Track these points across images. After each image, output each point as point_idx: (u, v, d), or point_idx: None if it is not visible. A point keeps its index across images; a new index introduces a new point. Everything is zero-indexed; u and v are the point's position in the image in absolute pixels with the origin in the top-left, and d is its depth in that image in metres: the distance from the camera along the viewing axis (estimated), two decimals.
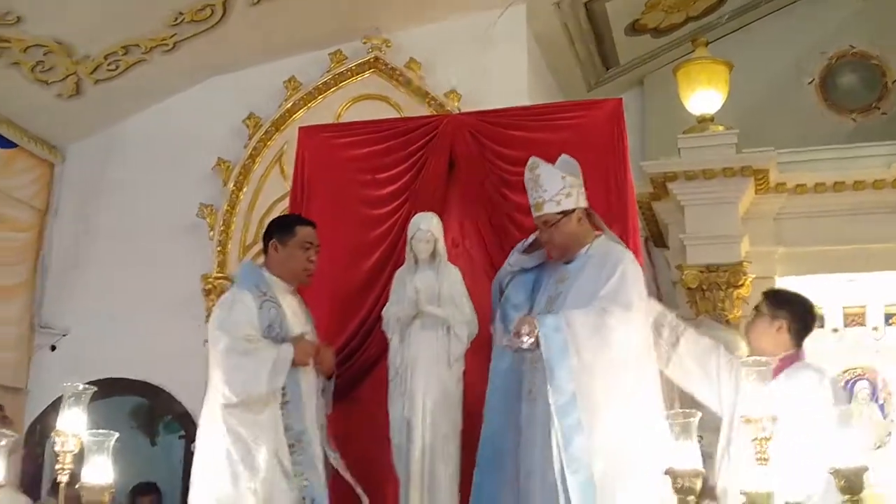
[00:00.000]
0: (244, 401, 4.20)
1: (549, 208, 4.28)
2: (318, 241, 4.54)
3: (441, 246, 4.53)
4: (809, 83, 8.56)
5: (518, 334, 4.01)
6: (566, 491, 3.89)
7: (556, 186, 4.28)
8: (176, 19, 6.78)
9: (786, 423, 3.39)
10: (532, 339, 3.99)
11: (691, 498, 3.23)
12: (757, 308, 4.58)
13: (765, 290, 4.85)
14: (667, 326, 4.46)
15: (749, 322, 4.65)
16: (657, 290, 7.11)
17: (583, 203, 4.33)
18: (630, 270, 4.20)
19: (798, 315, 4.50)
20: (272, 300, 4.39)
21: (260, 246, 6.86)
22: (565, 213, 4.29)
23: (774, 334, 4.44)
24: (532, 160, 4.33)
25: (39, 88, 7.01)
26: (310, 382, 4.38)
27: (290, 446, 4.23)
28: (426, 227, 4.49)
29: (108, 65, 7.06)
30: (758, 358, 3.67)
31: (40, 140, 7.50)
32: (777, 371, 4.22)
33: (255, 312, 4.33)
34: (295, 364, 4.27)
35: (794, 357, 4.43)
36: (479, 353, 4.51)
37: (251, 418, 4.19)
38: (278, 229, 4.58)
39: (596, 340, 4.01)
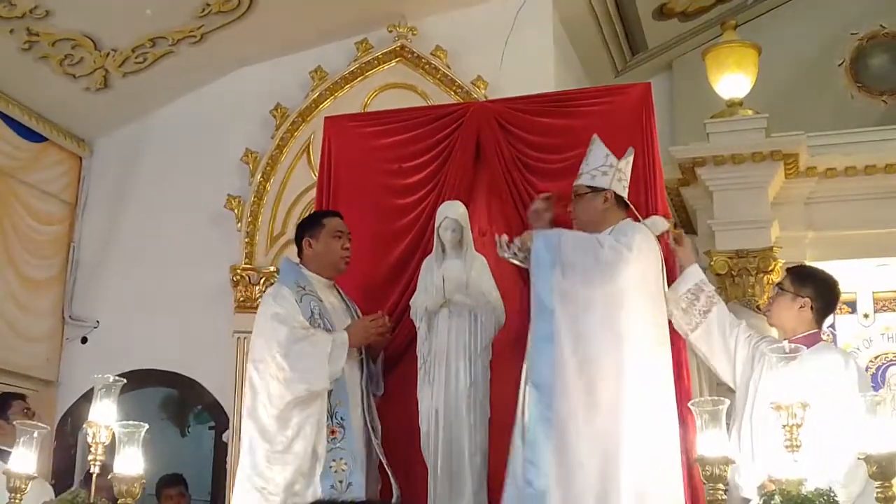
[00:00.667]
0: (309, 388, 4.24)
1: (582, 180, 4.42)
2: (347, 228, 4.61)
3: (468, 234, 4.52)
4: (839, 65, 8.47)
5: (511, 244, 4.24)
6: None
7: (597, 161, 4.40)
8: (203, 10, 6.80)
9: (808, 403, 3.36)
10: (519, 252, 4.23)
11: (720, 486, 3.22)
12: (780, 285, 4.53)
13: (788, 266, 4.79)
14: (704, 294, 4.44)
15: (771, 298, 4.60)
16: None
17: (618, 188, 4.36)
18: (638, 234, 4.24)
19: (822, 293, 4.45)
20: (311, 294, 4.46)
21: (287, 236, 7.01)
22: (594, 190, 4.35)
23: (797, 312, 4.41)
24: (593, 136, 4.44)
25: (68, 82, 7.06)
26: (353, 368, 4.41)
27: (332, 432, 4.24)
28: (453, 215, 4.49)
29: (136, 57, 7.10)
30: (788, 344, 3.65)
31: (69, 133, 7.56)
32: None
33: (296, 306, 4.39)
34: (353, 344, 4.36)
35: (816, 336, 4.40)
36: (507, 341, 4.50)
37: (297, 408, 4.22)
38: (308, 226, 4.66)
39: (585, 259, 4.12)
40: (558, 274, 4.09)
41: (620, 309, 4.08)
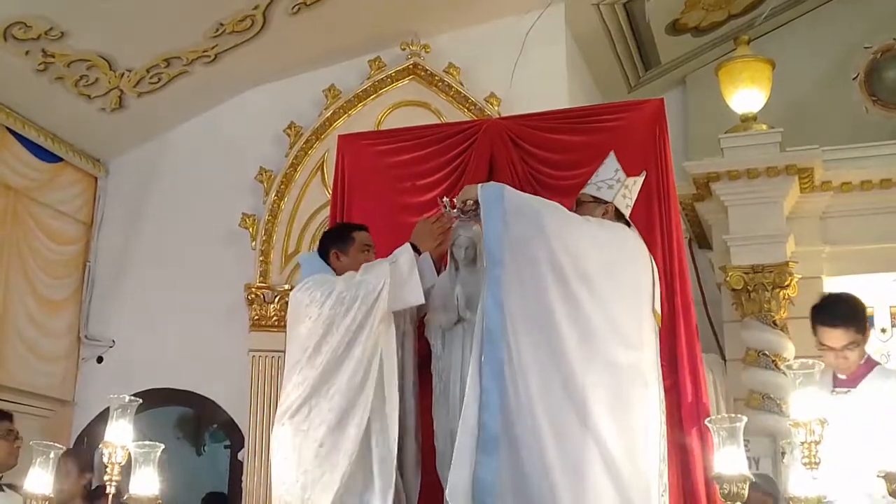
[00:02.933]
0: (378, 292, 4.14)
1: (588, 189, 4.40)
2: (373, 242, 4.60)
3: (482, 251, 4.50)
4: (854, 79, 8.44)
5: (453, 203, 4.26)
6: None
7: (606, 174, 4.38)
8: (217, 31, 6.84)
9: (875, 427, 3.32)
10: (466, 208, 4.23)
11: None
12: (854, 343, 4.27)
13: (838, 312, 4.50)
14: None
15: (841, 357, 4.29)
16: (701, 293, 7.05)
17: (620, 204, 4.32)
18: (623, 230, 4.21)
19: (865, 322, 4.42)
20: None
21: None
22: (597, 200, 4.34)
23: (861, 352, 4.34)
24: (611, 152, 4.42)
25: (83, 102, 7.10)
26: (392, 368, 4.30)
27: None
28: (467, 233, 4.47)
29: (151, 78, 7.13)
30: (804, 360, 3.62)
31: (84, 154, 7.59)
32: (858, 377, 4.22)
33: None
34: (425, 248, 4.35)
35: (871, 361, 4.36)
36: None
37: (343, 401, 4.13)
38: (336, 239, 4.59)
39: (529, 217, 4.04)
40: (507, 220, 4.04)
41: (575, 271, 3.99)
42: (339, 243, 4.54)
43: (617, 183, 4.33)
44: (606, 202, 4.34)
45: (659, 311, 4.21)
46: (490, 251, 4.01)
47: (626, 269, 4.11)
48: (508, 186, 4.20)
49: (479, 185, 4.21)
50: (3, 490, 4.95)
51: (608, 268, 4.03)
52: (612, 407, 3.83)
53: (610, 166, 4.40)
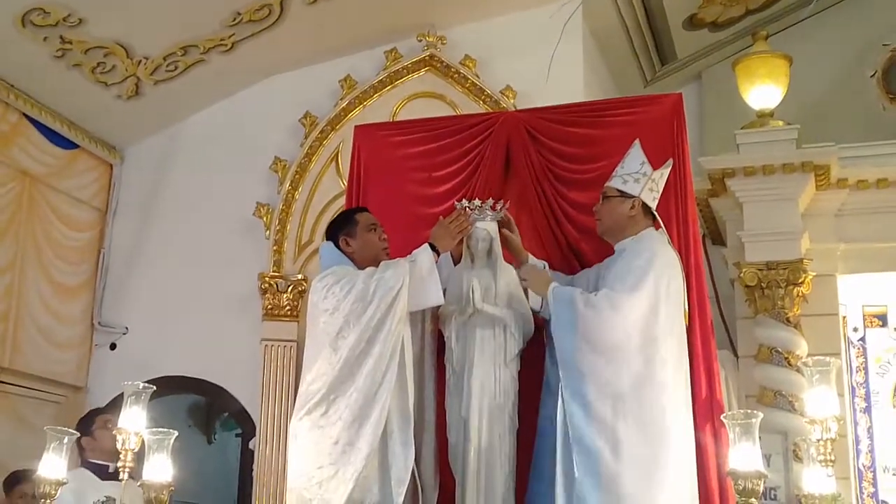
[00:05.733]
0: (396, 289, 4.14)
1: (614, 182, 4.41)
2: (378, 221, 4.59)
3: (497, 245, 4.50)
4: (872, 76, 8.37)
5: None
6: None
7: (632, 167, 4.38)
8: (234, 19, 6.85)
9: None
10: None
11: (753, 500, 3.19)
12: None
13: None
14: None
15: None
16: (714, 289, 7.03)
17: (647, 198, 4.33)
18: (648, 255, 4.20)
19: None
20: None
21: (315, 244, 7.02)
22: (623, 195, 4.33)
23: None
24: (634, 141, 4.43)
25: (100, 89, 7.11)
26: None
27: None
28: (482, 225, 4.48)
29: (167, 66, 7.14)
30: (820, 358, 3.62)
31: (100, 141, 7.61)
32: None
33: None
34: (444, 248, 4.35)
35: None
36: (535, 351, 4.49)
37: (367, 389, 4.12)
38: (341, 226, 4.57)
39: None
40: (580, 340, 4.07)
41: (654, 356, 4.06)
42: (345, 228, 4.53)
43: (643, 176, 4.32)
44: (633, 196, 4.34)
45: (687, 309, 4.26)
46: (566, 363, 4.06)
47: (675, 303, 4.18)
48: (575, 294, 4.18)
49: (549, 289, 4.21)
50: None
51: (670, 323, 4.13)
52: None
53: (636, 158, 4.39)
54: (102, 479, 4.95)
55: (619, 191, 4.37)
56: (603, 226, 4.45)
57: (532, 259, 4.59)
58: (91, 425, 5.18)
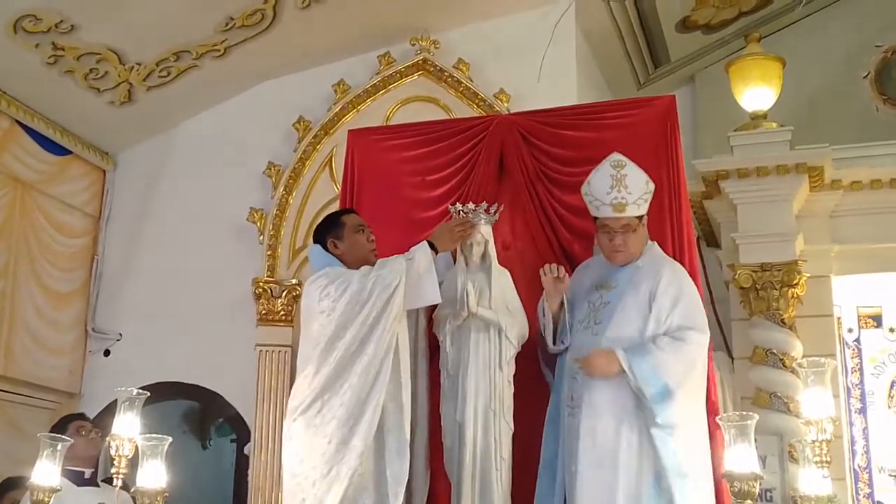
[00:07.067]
0: (395, 286, 4.12)
1: (632, 211, 4.23)
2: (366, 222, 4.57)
3: (492, 248, 4.49)
4: (864, 77, 8.40)
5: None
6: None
7: (640, 189, 4.25)
8: (227, 24, 6.84)
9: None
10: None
11: (749, 502, 3.19)
12: None
13: None
14: None
15: None
16: (709, 291, 7.02)
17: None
18: (693, 289, 4.24)
19: None
20: None
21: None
22: (641, 219, 4.28)
23: None
24: (618, 157, 4.30)
25: (92, 96, 7.10)
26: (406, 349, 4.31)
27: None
28: (481, 230, 4.47)
29: (160, 71, 7.13)
30: (815, 359, 3.61)
31: (93, 147, 7.60)
32: None
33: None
34: (443, 248, 4.31)
35: None
36: (529, 355, 4.48)
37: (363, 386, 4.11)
38: (328, 229, 4.55)
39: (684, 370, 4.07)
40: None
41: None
42: (332, 231, 4.51)
43: (648, 194, 4.27)
44: (642, 216, 4.29)
45: None
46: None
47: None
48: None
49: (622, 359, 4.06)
50: (98, 486, 5.01)
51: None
52: None
53: (640, 180, 4.25)
54: (79, 485, 4.93)
55: (638, 217, 4.26)
56: (630, 255, 4.30)
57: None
58: (64, 432, 5.15)
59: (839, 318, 7.12)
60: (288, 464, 4.18)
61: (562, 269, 4.34)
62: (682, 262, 4.38)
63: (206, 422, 7.98)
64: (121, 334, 7.48)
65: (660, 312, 4.11)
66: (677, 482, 3.88)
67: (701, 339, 4.10)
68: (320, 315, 4.17)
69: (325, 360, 4.12)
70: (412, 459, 4.21)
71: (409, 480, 4.19)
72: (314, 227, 6.90)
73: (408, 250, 4.33)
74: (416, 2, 7.15)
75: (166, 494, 3.78)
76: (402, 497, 4.07)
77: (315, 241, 4.61)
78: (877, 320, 7.26)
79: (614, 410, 4.04)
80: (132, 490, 3.81)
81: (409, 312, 4.33)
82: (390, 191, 5.05)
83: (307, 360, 4.19)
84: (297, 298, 6.96)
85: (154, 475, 3.76)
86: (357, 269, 4.32)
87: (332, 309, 4.14)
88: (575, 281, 4.44)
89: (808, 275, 6.73)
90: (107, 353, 7.46)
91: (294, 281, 7.03)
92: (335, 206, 6.13)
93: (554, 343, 4.35)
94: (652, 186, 4.29)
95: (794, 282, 6.68)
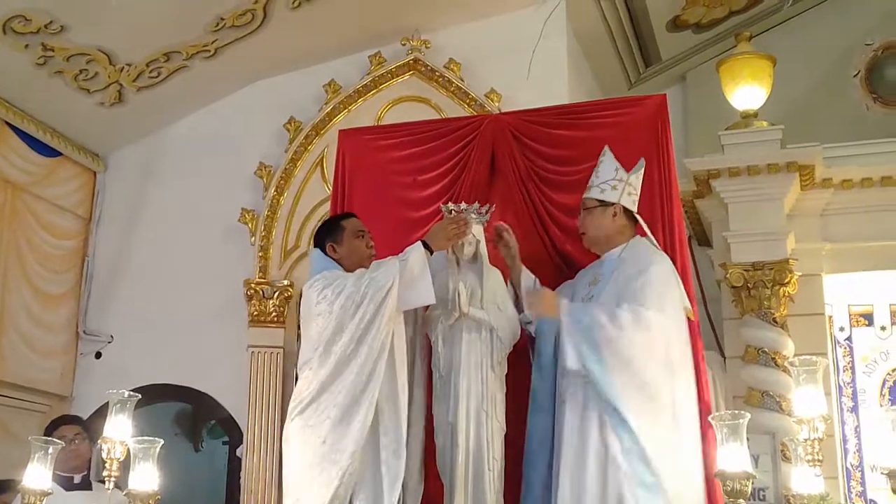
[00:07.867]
0: (388, 288, 4.12)
1: (592, 193, 4.39)
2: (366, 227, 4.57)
3: (483, 248, 4.49)
4: (855, 76, 8.43)
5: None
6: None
7: (607, 175, 4.37)
8: (217, 25, 6.82)
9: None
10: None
11: (741, 501, 3.19)
12: None
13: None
14: None
15: None
16: (700, 290, 7.03)
17: (627, 202, 4.33)
18: (660, 273, 4.19)
19: None
20: None
21: (301, 250, 7.01)
22: (603, 204, 4.34)
23: None
24: (605, 148, 4.41)
25: (82, 97, 7.08)
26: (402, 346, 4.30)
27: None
28: (472, 230, 4.46)
29: (150, 72, 7.12)
30: (806, 357, 3.62)
31: (83, 148, 7.58)
32: None
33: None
34: (438, 248, 4.29)
35: None
36: (522, 355, 4.48)
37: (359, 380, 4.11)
38: (327, 232, 4.56)
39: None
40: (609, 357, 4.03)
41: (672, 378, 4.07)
42: (331, 235, 4.51)
43: (620, 182, 4.32)
44: (613, 203, 4.33)
45: (689, 307, 4.28)
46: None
47: (680, 302, 4.22)
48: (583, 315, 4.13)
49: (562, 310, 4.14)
50: (91, 488, 5.00)
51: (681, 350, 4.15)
52: None
53: (609, 166, 4.38)
54: (68, 490, 4.91)
55: (598, 200, 4.36)
56: (589, 238, 4.43)
57: (525, 273, 4.54)
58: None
59: (831, 317, 7.14)
60: (286, 465, 4.20)
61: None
62: (673, 262, 4.38)
63: (199, 424, 7.96)
64: (112, 336, 7.47)
65: (620, 288, 4.17)
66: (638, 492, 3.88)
67: (645, 315, 4.03)
68: (318, 318, 4.19)
69: (323, 363, 4.13)
70: (407, 459, 4.21)
71: (403, 480, 4.19)
72: (308, 227, 7.07)
73: (401, 251, 4.32)
74: (407, 2, 7.15)
75: (158, 497, 3.77)
76: (397, 497, 4.07)
77: (315, 245, 4.61)
78: (868, 319, 7.27)
79: (598, 406, 4.04)
80: (124, 492, 3.80)
81: (408, 312, 4.34)
82: (382, 190, 5.05)
83: (307, 363, 4.21)
84: (289, 300, 6.96)
85: (146, 478, 3.74)
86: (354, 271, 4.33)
87: (329, 312, 4.15)
88: (577, 282, 4.49)
89: (800, 273, 6.75)
90: (98, 355, 7.44)
91: (286, 282, 7.02)
92: (327, 207, 6.13)
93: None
94: (622, 175, 4.33)
95: (786, 280, 6.69)
